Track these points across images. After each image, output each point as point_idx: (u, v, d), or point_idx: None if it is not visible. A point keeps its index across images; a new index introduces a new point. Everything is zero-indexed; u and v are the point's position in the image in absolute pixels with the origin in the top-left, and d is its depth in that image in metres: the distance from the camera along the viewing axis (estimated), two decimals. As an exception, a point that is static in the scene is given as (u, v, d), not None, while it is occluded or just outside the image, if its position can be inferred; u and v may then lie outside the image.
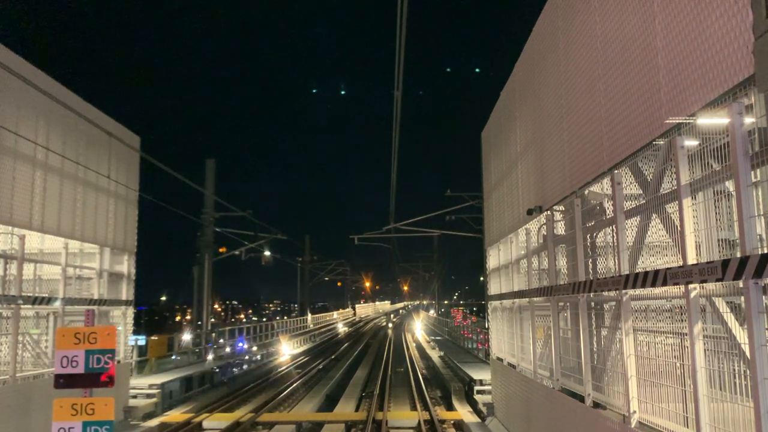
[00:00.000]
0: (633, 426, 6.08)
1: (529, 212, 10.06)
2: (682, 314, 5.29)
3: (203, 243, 30.29)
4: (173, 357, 24.57)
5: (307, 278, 58.60)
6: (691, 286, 4.98)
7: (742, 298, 4.32)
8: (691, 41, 4.94)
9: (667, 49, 5.39)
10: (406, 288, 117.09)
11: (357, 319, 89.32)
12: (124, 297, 15.94)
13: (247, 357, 28.48)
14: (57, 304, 12.80)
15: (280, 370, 27.70)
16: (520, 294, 11.44)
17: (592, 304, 7.83)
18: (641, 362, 6.17)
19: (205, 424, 14.80)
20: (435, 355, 31.77)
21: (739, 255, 4.30)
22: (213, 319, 32.29)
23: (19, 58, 11.19)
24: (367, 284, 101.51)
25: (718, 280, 4.50)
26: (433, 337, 45.97)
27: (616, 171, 6.62)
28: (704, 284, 4.82)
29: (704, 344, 5.02)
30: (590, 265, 7.81)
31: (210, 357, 25.76)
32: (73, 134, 13.27)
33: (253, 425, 14.65)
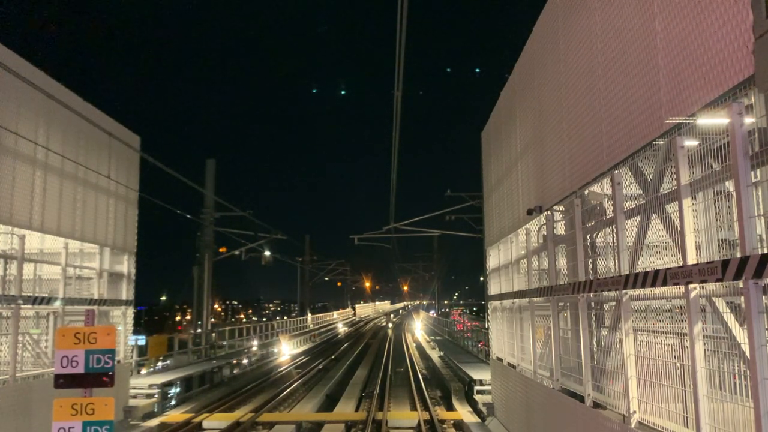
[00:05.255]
0: (633, 426, 6.07)
1: (529, 212, 10.06)
2: (682, 314, 5.29)
3: (203, 243, 30.30)
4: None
5: (307, 278, 58.68)
6: (691, 286, 4.98)
7: (742, 298, 4.32)
8: (691, 41, 4.94)
9: (667, 49, 5.39)
10: (406, 288, 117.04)
11: (357, 319, 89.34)
12: (124, 297, 15.94)
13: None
14: (57, 304, 12.80)
15: (280, 369, 27.69)
16: (520, 294, 11.44)
17: (592, 304, 7.82)
18: (641, 362, 6.17)
19: (205, 424, 14.81)
20: (435, 355, 31.76)
21: (739, 255, 4.30)
22: (213, 319, 32.30)
23: (20, 59, 11.20)
24: (367, 284, 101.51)
25: (718, 281, 4.50)
26: (433, 337, 45.96)
27: (616, 171, 6.61)
28: (704, 284, 4.82)
29: (704, 344, 5.02)
30: (590, 265, 7.80)
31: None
32: (73, 134, 13.27)
33: (253, 425, 14.65)
